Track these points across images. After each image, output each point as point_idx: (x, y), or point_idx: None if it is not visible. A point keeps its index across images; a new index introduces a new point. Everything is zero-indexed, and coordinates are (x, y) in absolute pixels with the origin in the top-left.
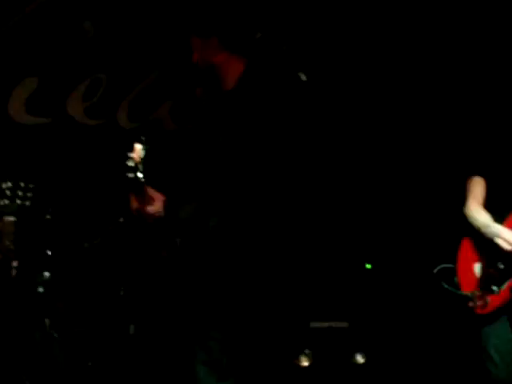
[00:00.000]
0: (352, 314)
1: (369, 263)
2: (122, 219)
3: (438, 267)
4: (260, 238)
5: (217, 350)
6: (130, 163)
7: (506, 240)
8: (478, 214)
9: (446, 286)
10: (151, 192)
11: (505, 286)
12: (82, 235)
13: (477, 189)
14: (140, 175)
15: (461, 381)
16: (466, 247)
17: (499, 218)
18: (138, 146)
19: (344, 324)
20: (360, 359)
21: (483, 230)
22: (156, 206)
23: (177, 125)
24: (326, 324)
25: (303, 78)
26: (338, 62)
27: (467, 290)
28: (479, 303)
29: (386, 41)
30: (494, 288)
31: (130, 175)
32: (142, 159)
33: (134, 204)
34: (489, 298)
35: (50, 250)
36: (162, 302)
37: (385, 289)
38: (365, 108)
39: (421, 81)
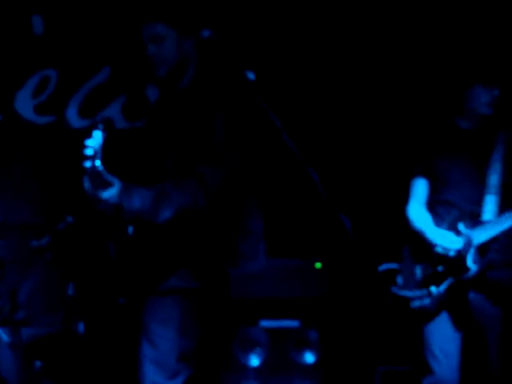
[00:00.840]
0: (304, 312)
1: (319, 262)
2: (70, 218)
3: (382, 267)
4: (210, 232)
5: (165, 347)
6: (89, 152)
7: (441, 246)
8: (417, 216)
9: (389, 286)
10: (108, 177)
11: (443, 288)
12: (30, 234)
13: (419, 190)
14: (98, 163)
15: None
16: (410, 248)
17: (441, 218)
18: (97, 134)
19: (295, 323)
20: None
21: (421, 234)
22: (112, 191)
23: (129, 122)
24: (277, 323)
25: (251, 76)
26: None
27: (409, 290)
28: (420, 303)
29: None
30: (433, 289)
31: (88, 164)
32: (100, 147)
33: (90, 189)
34: (428, 299)
35: None
36: (112, 299)
37: (332, 288)
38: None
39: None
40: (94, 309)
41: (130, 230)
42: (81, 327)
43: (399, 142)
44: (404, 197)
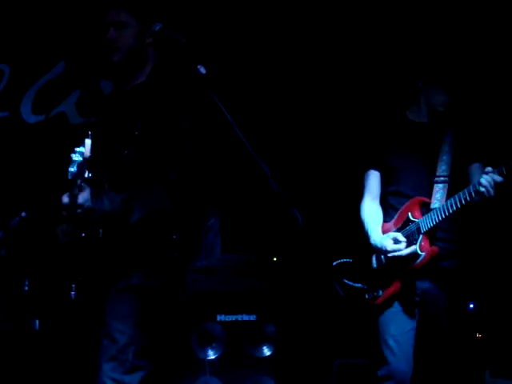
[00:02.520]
0: (261, 306)
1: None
2: (24, 214)
3: (337, 261)
4: (171, 229)
5: (123, 343)
6: (76, 157)
7: (390, 251)
8: (367, 217)
9: (344, 280)
10: (80, 183)
11: (395, 279)
12: None
13: (372, 182)
14: (85, 170)
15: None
16: (364, 242)
17: (394, 209)
18: (88, 141)
19: (252, 317)
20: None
21: (367, 237)
22: (85, 196)
23: (84, 117)
24: (234, 318)
25: (202, 71)
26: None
27: (363, 281)
28: (372, 295)
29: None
30: (385, 280)
31: (73, 169)
32: (90, 154)
33: (66, 198)
34: (380, 290)
35: None
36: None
37: (288, 282)
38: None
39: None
40: (49, 305)
41: (101, 232)
42: (36, 323)
43: (352, 135)
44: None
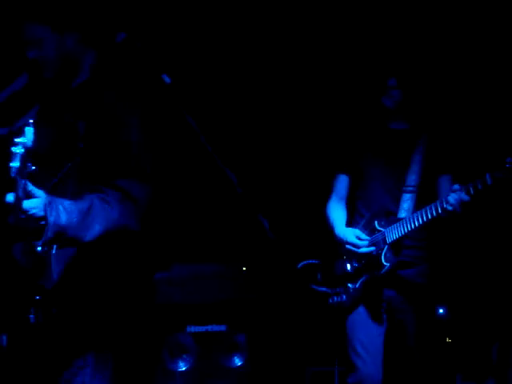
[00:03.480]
0: (230, 316)
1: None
2: None
3: (303, 263)
4: (136, 244)
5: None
6: (18, 150)
7: (350, 243)
8: (332, 213)
9: (310, 284)
10: (31, 187)
11: (359, 284)
12: None
13: (340, 185)
14: (29, 164)
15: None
16: (330, 244)
17: (360, 214)
18: (29, 129)
19: (222, 327)
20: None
21: (332, 231)
22: (34, 202)
23: None
24: (204, 328)
25: (167, 80)
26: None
27: (328, 286)
28: (337, 299)
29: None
30: (350, 285)
31: (15, 164)
32: (31, 144)
33: (13, 197)
34: (344, 295)
35: None
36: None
37: (257, 290)
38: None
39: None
40: (16, 320)
41: (54, 249)
42: (3, 339)
43: (322, 139)
44: (327, 193)
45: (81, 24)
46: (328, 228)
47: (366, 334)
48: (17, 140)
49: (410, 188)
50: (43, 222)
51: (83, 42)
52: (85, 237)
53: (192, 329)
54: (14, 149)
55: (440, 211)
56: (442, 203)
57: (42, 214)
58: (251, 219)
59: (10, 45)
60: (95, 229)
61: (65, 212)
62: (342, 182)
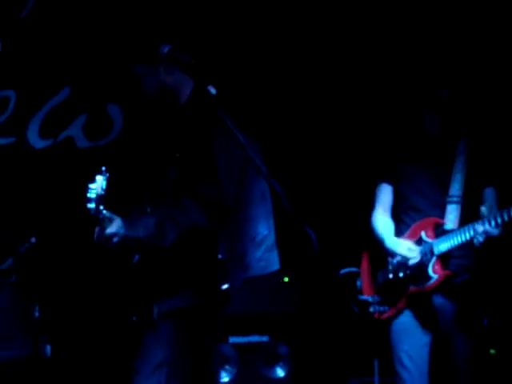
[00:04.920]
0: (273, 327)
1: (286, 276)
2: (33, 239)
3: (343, 271)
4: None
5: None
6: (92, 194)
7: (401, 255)
8: (379, 225)
9: (350, 290)
10: (106, 214)
11: (402, 296)
12: None
13: (384, 195)
14: (101, 207)
15: None
16: (370, 253)
17: (406, 224)
18: (99, 177)
19: (265, 338)
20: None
21: (380, 243)
22: (114, 227)
23: (91, 141)
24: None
25: (213, 91)
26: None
27: (368, 294)
28: (378, 309)
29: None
30: (393, 295)
31: (91, 206)
32: (103, 190)
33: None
34: (386, 305)
35: None
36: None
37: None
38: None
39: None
40: (61, 331)
41: (136, 258)
42: (48, 350)
43: (364, 148)
44: (369, 202)
45: (178, 60)
46: (374, 238)
47: (412, 345)
48: (90, 186)
49: (455, 198)
50: (125, 239)
51: (181, 73)
52: (162, 244)
53: (234, 340)
54: (88, 193)
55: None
56: (489, 222)
57: (122, 234)
58: (296, 230)
59: (53, 60)
60: (170, 236)
61: (143, 228)
62: (386, 192)
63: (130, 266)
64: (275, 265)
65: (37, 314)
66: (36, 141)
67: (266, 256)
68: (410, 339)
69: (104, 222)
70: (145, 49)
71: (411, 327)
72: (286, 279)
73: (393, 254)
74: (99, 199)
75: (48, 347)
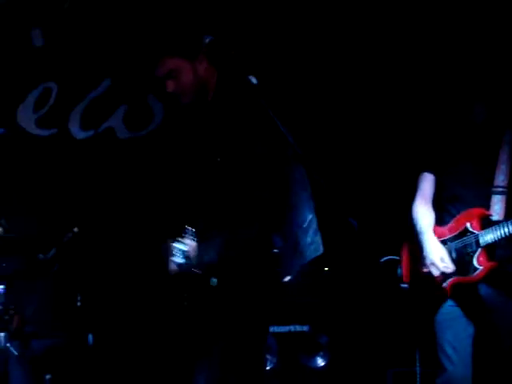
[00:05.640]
0: (313, 316)
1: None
2: (76, 229)
3: (384, 258)
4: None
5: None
6: (179, 258)
7: (431, 261)
8: (420, 217)
9: (391, 280)
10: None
11: (446, 284)
12: (36, 247)
13: (426, 185)
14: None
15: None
16: (412, 242)
17: (449, 214)
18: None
19: (305, 327)
20: None
21: (418, 237)
22: (190, 262)
23: (131, 132)
24: (287, 328)
25: (254, 81)
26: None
27: (410, 283)
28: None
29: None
30: (435, 284)
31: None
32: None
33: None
34: (430, 294)
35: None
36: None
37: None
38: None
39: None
40: (102, 320)
41: (214, 281)
42: (89, 338)
43: (407, 136)
44: (410, 191)
45: (208, 51)
46: (413, 231)
47: (455, 335)
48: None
49: (500, 189)
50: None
51: (210, 66)
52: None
53: (275, 329)
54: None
55: None
56: None
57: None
58: (337, 219)
59: (93, 52)
60: (235, 250)
61: (213, 251)
62: (428, 181)
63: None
64: (321, 248)
65: (79, 304)
66: (77, 132)
67: (314, 239)
68: (454, 330)
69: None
70: (185, 40)
71: (455, 318)
72: (326, 268)
73: (426, 255)
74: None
75: (90, 336)
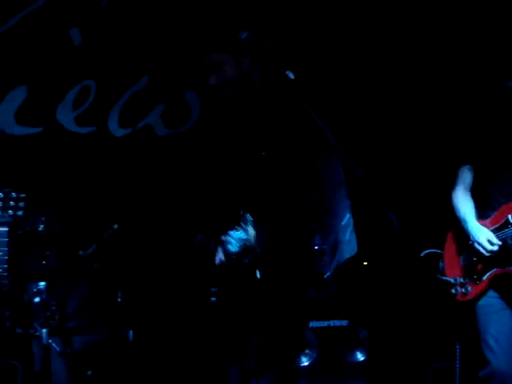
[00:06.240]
0: (354, 312)
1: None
2: (116, 226)
3: (425, 251)
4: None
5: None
6: (234, 247)
7: (480, 244)
8: (461, 204)
9: (432, 273)
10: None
11: (486, 277)
12: (77, 244)
13: (466, 176)
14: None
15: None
16: (454, 234)
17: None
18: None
19: (344, 322)
20: None
21: (461, 224)
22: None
23: (169, 129)
24: (326, 323)
25: (291, 76)
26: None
27: (451, 276)
28: (460, 290)
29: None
30: (476, 277)
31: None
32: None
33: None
34: (469, 287)
35: (44, 261)
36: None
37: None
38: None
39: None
40: (142, 316)
41: (258, 274)
42: (130, 335)
43: (448, 128)
44: (450, 182)
45: (248, 46)
46: (456, 218)
47: (498, 328)
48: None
49: None
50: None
51: (252, 61)
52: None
53: (314, 324)
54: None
55: None
56: None
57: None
58: (377, 214)
59: (131, 50)
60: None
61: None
62: (468, 173)
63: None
64: (356, 247)
65: (119, 300)
66: (116, 129)
67: (352, 238)
68: (497, 323)
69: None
70: (222, 35)
71: (498, 310)
72: (365, 263)
73: (473, 240)
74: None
75: (130, 332)
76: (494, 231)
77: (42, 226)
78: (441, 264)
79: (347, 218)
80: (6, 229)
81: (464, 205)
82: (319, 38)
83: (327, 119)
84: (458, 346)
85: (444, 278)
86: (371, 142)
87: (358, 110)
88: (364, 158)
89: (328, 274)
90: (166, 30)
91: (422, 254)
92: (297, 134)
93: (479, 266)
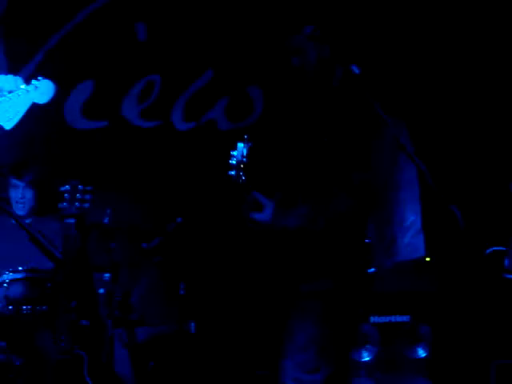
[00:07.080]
0: (414, 306)
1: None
2: (180, 219)
3: (490, 249)
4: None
5: (305, 343)
6: (233, 161)
7: None
8: None
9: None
10: (260, 198)
11: None
12: (141, 237)
13: None
14: (241, 173)
15: None
16: None
17: None
18: (241, 144)
19: (406, 318)
20: None
21: None
22: (264, 215)
23: (232, 123)
24: (387, 319)
25: (356, 70)
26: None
27: None
28: None
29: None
30: None
31: (232, 173)
32: (244, 157)
33: (244, 211)
34: None
35: (109, 253)
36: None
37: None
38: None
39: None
40: (205, 308)
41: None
42: (192, 327)
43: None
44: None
45: (321, 39)
46: None
47: None
48: (232, 152)
49: None
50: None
51: (334, 54)
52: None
53: (375, 319)
54: (230, 161)
55: None
56: None
57: (270, 222)
58: (441, 209)
59: (196, 44)
60: (320, 223)
61: (295, 219)
62: None
63: (278, 248)
64: (421, 250)
65: (182, 292)
66: (180, 123)
67: (413, 241)
68: None
69: (254, 205)
70: (287, 31)
71: None
72: (428, 258)
73: None
74: (240, 166)
75: (192, 324)
76: None
77: (107, 219)
78: (506, 262)
79: (411, 220)
80: (73, 221)
81: None
82: (390, 34)
83: (392, 114)
84: None
85: (509, 276)
86: (437, 138)
87: (422, 104)
88: (429, 154)
89: (373, 269)
90: (230, 24)
91: (487, 252)
92: (361, 129)
93: None
